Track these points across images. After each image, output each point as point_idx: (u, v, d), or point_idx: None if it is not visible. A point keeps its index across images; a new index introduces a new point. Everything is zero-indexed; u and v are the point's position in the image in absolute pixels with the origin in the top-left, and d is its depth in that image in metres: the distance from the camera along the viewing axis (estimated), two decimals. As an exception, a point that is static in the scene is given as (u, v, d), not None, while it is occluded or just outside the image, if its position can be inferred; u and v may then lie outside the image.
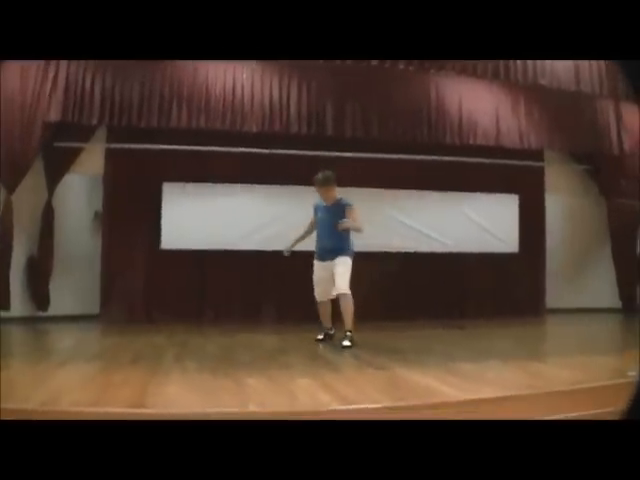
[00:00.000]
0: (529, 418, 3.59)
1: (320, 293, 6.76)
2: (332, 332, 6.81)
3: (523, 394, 4.06)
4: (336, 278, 6.51)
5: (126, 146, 8.76)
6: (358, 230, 6.62)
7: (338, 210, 6.67)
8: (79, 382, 4.37)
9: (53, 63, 7.75)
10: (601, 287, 10.17)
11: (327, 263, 6.65)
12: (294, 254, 7.16)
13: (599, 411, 3.65)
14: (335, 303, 6.65)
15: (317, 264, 6.81)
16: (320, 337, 6.80)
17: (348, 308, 6.38)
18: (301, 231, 7.12)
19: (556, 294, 10.14)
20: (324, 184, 6.75)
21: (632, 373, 4.08)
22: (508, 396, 3.98)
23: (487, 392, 4.08)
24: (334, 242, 6.64)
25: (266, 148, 8.92)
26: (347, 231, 6.66)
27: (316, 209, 6.97)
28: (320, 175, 6.80)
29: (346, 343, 6.25)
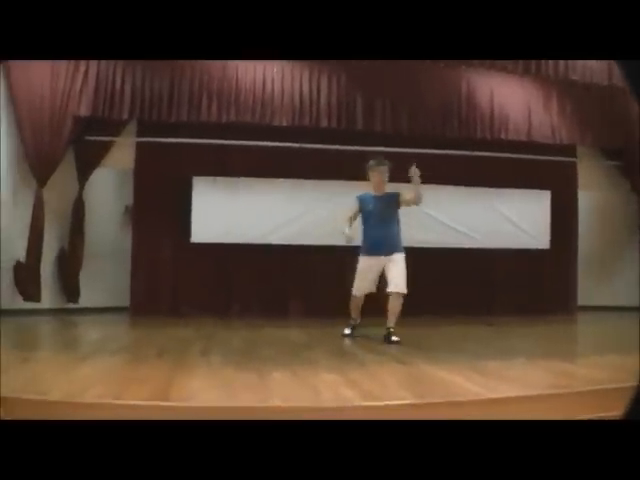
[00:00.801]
0: (554, 418, 3.55)
1: (361, 288, 6.59)
2: (357, 322, 6.77)
3: (548, 394, 4.02)
4: (396, 275, 6.31)
5: (156, 140, 8.81)
6: (419, 200, 6.40)
7: (391, 200, 6.53)
8: (103, 375, 4.39)
9: (84, 58, 7.81)
10: (633, 285, 10.01)
11: (380, 258, 6.42)
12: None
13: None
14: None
15: (366, 258, 6.52)
16: (347, 332, 6.70)
17: (398, 308, 6.28)
18: (348, 220, 6.60)
19: (587, 291, 10.03)
20: (378, 168, 6.55)
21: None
22: (533, 395, 3.94)
23: (512, 391, 4.04)
24: (388, 235, 6.46)
25: (294, 142, 8.91)
26: (398, 223, 6.55)
27: (363, 200, 6.64)
28: (373, 161, 6.63)
29: (396, 338, 6.15)
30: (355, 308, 6.74)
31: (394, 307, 6.29)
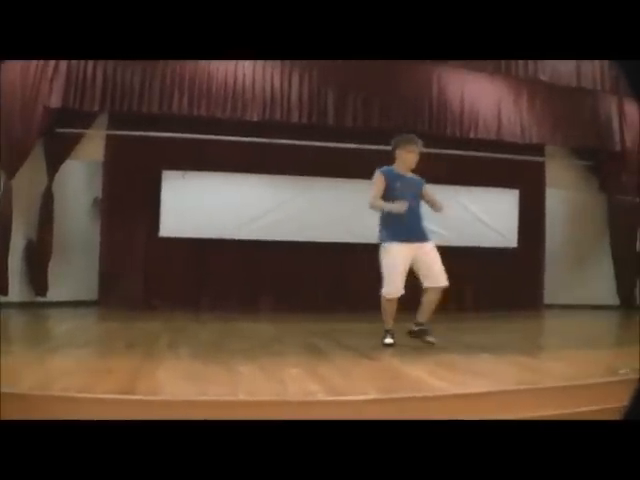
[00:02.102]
0: (519, 413, 3.59)
1: (397, 286, 5.52)
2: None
3: (514, 389, 4.05)
4: (438, 266, 5.54)
5: (127, 133, 8.78)
6: (439, 209, 5.82)
7: (417, 184, 5.75)
8: (70, 367, 4.35)
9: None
10: (600, 283, 10.14)
11: (412, 245, 5.51)
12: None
13: (590, 409, 3.66)
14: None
15: (400, 247, 5.51)
16: (390, 341, 5.62)
17: (436, 304, 5.62)
18: (380, 199, 5.57)
19: (554, 290, 10.13)
20: (416, 147, 5.65)
21: (623, 371, 4.08)
22: (498, 391, 3.98)
23: (479, 386, 4.08)
24: (419, 218, 5.70)
25: (266, 137, 8.92)
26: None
27: (390, 176, 5.60)
28: (404, 136, 5.75)
29: (432, 339, 5.60)
30: (390, 315, 5.64)
31: (435, 301, 5.60)
